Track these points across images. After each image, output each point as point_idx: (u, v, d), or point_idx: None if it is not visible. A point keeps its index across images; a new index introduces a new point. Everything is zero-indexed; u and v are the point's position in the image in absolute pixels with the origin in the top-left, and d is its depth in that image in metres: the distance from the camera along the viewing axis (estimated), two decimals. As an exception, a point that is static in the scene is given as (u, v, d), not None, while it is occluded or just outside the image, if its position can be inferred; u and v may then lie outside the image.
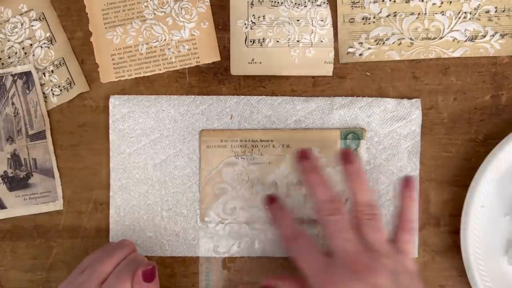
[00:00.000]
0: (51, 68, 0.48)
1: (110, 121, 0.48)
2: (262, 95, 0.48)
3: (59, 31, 0.48)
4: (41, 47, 0.48)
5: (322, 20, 0.48)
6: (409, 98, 0.48)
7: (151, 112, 0.48)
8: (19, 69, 0.48)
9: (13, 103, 0.48)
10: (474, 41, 0.47)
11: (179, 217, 0.48)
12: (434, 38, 0.47)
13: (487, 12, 0.47)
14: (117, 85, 0.48)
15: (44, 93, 0.48)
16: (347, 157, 0.41)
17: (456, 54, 0.47)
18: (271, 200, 0.45)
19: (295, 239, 0.41)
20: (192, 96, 0.48)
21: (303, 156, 0.42)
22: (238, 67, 0.48)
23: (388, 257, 0.38)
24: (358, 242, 0.38)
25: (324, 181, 0.41)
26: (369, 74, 0.48)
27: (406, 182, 0.42)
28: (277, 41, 0.48)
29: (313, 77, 0.48)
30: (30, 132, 0.48)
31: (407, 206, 0.41)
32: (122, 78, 0.48)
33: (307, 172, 0.41)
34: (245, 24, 0.48)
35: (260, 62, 0.48)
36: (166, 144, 0.48)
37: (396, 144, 0.48)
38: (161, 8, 0.48)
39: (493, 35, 0.47)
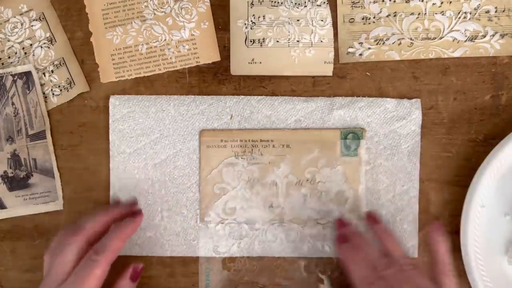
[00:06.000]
0: (51, 68, 0.48)
1: (110, 121, 0.48)
2: (262, 95, 0.48)
3: (59, 31, 0.48)
4: (41, 47, 0.48)
5: (322, 20, 0.47)
6: (409, 98, 0.48)
7: (151, 112, 0.48)
8: (19, 69, 0.48)
9: (13, 103, 0.48)
10: (474, 41, 0.47)
11: (179, 217, 0.48)
12: (434, 38, 0.47)
13: (487, 12, 0.47)
14: (117, 85, 0.48)
15: (44, 93, 0.48)
16: (373, 218, 0.46)
17: (456, 54, 0.47)
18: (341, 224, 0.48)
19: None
20: (192, 96, 0.48)
21: (342, 224, 0.47)
22: (238, 67, 0.48)
23: None
24: None
25: (369, 242, 0.43)
26: (369, 74, 0.48)
27: (435, 227, 0.44)
28: (277, 41, 0.47)
29: (313, 77, 0.48)
30: (30, 132, 0.48)
31: (441, 251, 0.43)
32: (122, 78, 0.48)
33: (351, 236, 0.44)
34: (245, 24, 0.48)
35: (260, 62, 0.48)
36: (166, 144, 0.48)
37: (396, 144, 0.48)
38: (161, 8, 0.48)
39: (493, 35, 0.47)
